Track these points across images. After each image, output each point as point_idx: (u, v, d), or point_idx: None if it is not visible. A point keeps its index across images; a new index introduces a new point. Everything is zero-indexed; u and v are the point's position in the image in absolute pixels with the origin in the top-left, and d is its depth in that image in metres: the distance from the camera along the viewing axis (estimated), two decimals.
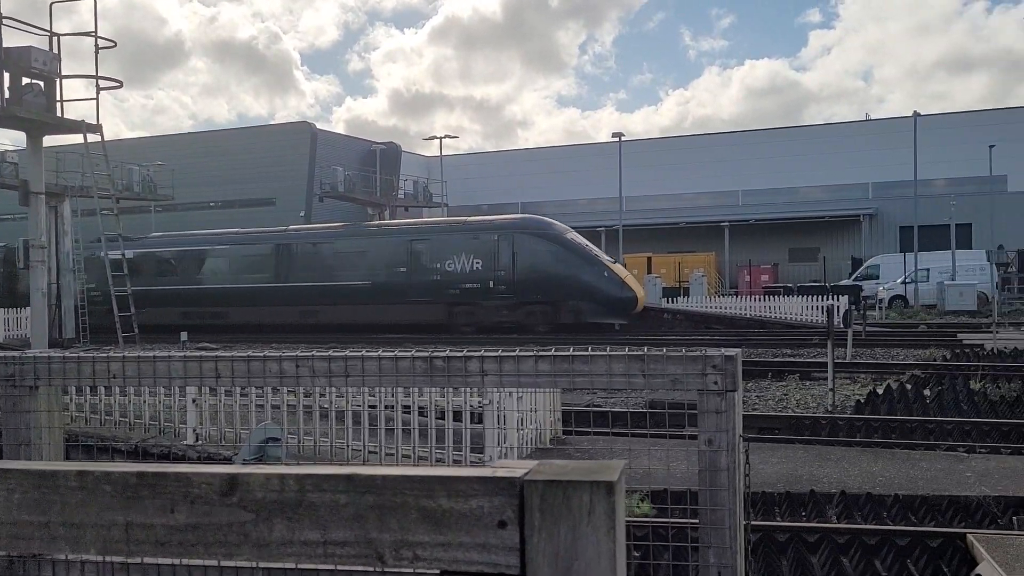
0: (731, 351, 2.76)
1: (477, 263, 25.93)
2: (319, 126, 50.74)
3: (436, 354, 2.83)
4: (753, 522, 6.58)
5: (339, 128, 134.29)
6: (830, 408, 11.84)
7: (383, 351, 2.94)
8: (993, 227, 42.42)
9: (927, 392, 12.70)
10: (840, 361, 15.87)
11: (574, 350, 2.81)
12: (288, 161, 46.15)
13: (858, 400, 12.28)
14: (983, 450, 8.93)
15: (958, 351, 18.27)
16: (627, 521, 4.52)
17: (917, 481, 7.53)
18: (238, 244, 30.64)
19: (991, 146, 42.86)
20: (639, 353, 2.78)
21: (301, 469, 1.25)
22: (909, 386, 13.18)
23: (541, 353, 2.82)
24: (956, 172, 47.91)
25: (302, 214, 43.68)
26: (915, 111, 43.08)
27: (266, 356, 2.97)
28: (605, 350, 2.85)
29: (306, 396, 7.77)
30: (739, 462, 2.72)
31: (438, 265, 26.52)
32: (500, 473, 1.19)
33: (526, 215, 30.37)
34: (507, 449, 7.38)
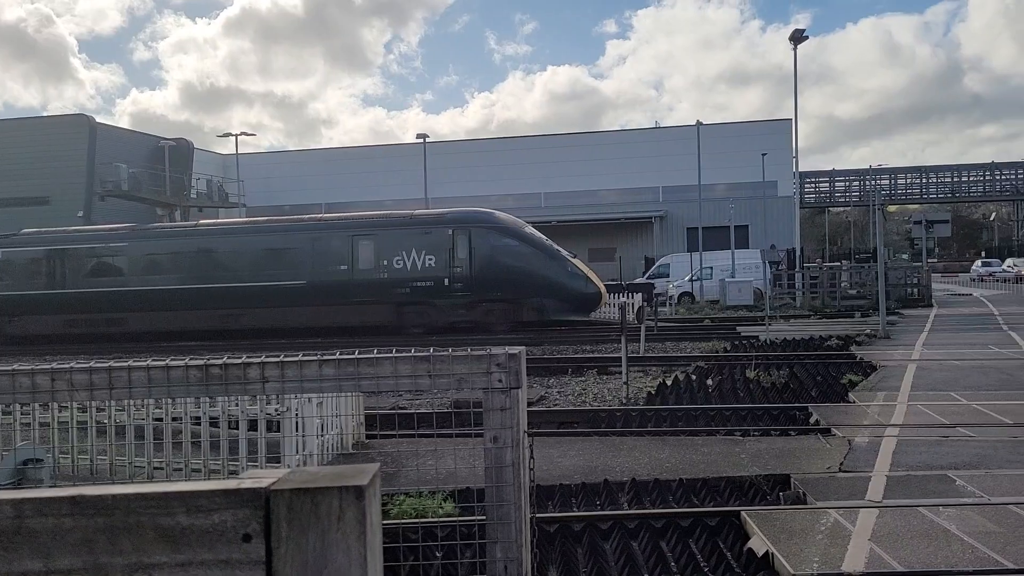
0: (515, 349, 2.82)
1: (430, 259, 24.44)
2: (100, 119, 47.14)
3: (212, 362, 2.68)
4: (552, 513, 6.81)
5: (123, 122, 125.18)
6: (624, 400, 12.45)
7: (153, 360, 2.75)
8: (766, 228, 46.56)
9: (710, 382, 13.68)
10: (634, 355, 16.76)
11: (359, 353, 2.77)
12: (63, 156, 42.35)
13: (649, 392, 13.01)
14: (756, 433, 9.71)
15: (737, 342, 19.83)
16: (429, 522, 4.50)
17: (699, 465, 8.08)
18: (139, 240, 26.92)
19: (763, 154, 47.00)
20: (425, 354, 2.78)
21: (19, 493, 1.13)
22: (694, 377, 14.16)
23: (325, 357, 2.75)
24: (735, 178, 52.10)
25: (80, 214, 40.28)
26: (698, 120, 46.58)
27: (15, 370, 2.69)
28: (391, 351, 2.83)
29: (83, 412, 7.17)
30: (524, 457, 2.79)
31: (385, 262, 24.67)
32: (245, 484, 1.13)
33: (478, 208, 28.30)
34: (306, 457, 7.18)
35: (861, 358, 15.68)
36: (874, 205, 20.69)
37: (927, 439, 8.70)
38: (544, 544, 6.19)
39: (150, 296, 25.31)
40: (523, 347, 2.98)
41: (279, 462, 6.89)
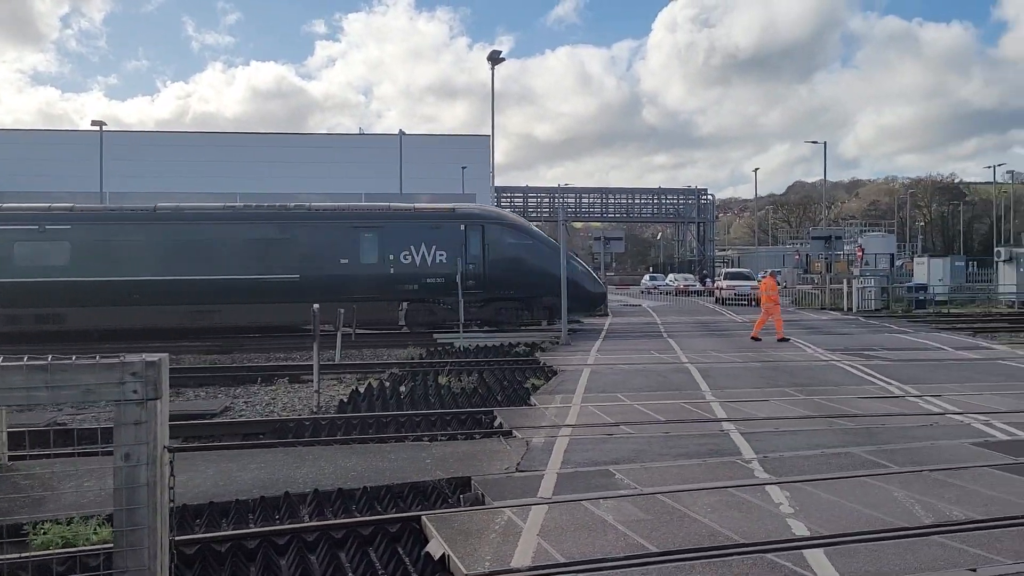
0: (154, 357, 2.55)
1: (441, 255, 23.35)
2: None
3: None
4: (223, 532, 6.39)
5: None
6: (315, 409, 12.16)
7: None
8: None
9: (403, 388, 13.80)
10: (329, 363, 16.48)
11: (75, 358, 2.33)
12: None
13: (342, 400, 12.82)
14: (443, 438, 9.93)
15: (432, 349, 20.25)
16: (76, 551, 3.92)
17: (385, 472, 8.06)
18: (88, 224, 22.67)
19: (464, 167, 48.82)
20: (42, 363, 2.42)
21: None
22: (388, 383, 14.21)
23: None
24: (437, 188, 53.48)
25: None
26: (401, 130, 47.40)
27: None
28: (72, 359, 2.42)
29: None
30: (162, 476, 2.52)
31: (391, 257, 23.35)
32: None
33: (483, 205, 26.47)
34: None
35: (544, 363, 16.72)
36: (561, 221, 22.38)
37: (594, 437, 9.44)
38: (213, 565, 5.79)
39: (99, 289, 21.88)
40: (166, 354, 2.70)
41: None
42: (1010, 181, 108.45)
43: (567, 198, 74.83)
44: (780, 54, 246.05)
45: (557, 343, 21.09)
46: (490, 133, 42.54)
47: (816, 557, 5.38)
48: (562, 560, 5.41)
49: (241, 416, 11.96)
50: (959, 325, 27.24)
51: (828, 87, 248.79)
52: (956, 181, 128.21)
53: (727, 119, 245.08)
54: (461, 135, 61.44)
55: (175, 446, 2.73)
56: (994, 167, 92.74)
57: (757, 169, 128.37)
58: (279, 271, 22.84)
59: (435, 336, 23.34)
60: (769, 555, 5.42)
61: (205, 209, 24.59)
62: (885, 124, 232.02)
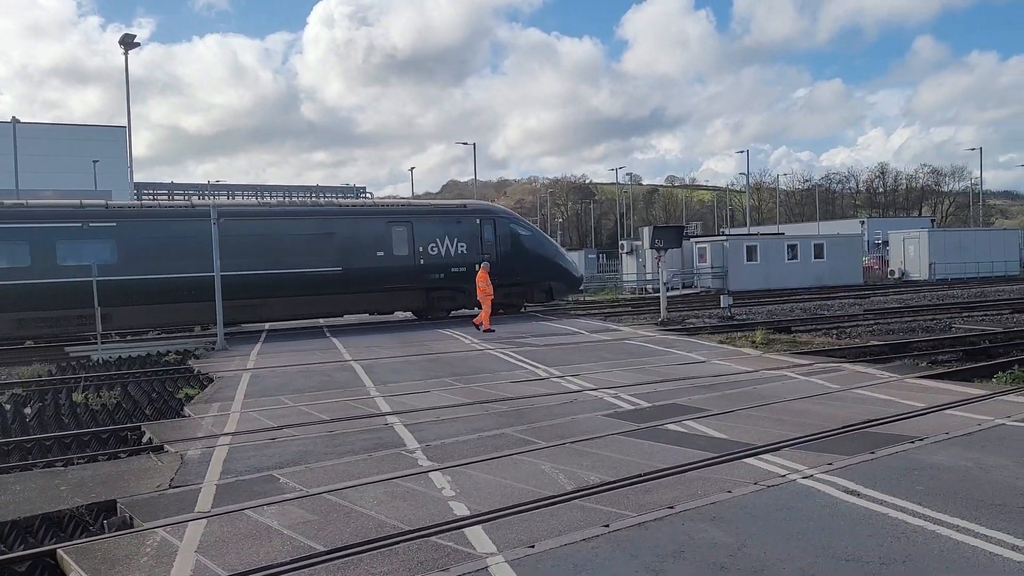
0: None
1: (462, 247, 25.68)
2: None
3: None
4: None
5: None
6: None
7: None
8: None
9: (28, 410, 12.16)
10: None
11: None
12: None
13: None
14: (81, 460, 8.93)
15: (64, 364, 18.08)
16: None
17: (8, 506, 7.05)
18: (135, 219, 21.85)
19: (95, 161, 44.22)
20: None
21: None
22: (8, 406, 12.42)
23: None
24: (64, 184, 47.73)
25: None
26: (14, 117, 41.60)
27: None
28: None
29: None
30: None
31: (420, 249, 25.23)
32: None
33: (484, 201, 29.45)
34: None
35: (199, 371, 15.74)
36: (214, 221, 21.31)
37: (256, 443, 9.09)
38: None
39: (147, 287, 21.37)
40: None
41: None
42: (630, 182, 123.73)
43: (219, 195, 71.20)
44: (436, 57, 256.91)
45: (213, 349, 19.97)
46: (126, 124, 38.84)
47: (476, 534, 5.69)
48: (224, 574, 5.15)
49: None
50: (593, 311, 30.49)
51: (480, 91, 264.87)
52: (588, 182, 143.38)
53: (386, 118, 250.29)
54: (92, 125, 55.73)
55: None
56: (617, 170, 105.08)
57: (413, 168, 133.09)
58: (323, 265, 23.81)
59: (67, 350, 20.89)
60: (433, 538, 5.63)
61: (252, 206, 25.88)
62: (530, 128, 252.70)
